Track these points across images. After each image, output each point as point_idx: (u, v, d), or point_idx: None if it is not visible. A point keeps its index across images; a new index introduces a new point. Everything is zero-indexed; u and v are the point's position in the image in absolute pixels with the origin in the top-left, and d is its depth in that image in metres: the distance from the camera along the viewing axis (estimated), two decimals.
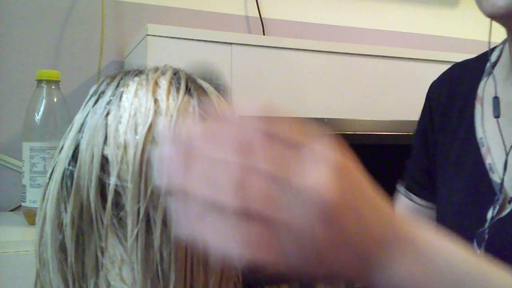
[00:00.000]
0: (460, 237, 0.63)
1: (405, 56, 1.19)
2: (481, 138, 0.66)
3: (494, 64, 0.70)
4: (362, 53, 1.16)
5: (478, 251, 0.61)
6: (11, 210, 1.16)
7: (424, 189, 0.75)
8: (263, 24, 1.41)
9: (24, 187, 0.99)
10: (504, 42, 0.71)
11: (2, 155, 1.17)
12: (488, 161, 0.64)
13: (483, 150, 0.65)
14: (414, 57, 1.21)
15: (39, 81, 1.01)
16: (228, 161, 0.30)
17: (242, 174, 0.30)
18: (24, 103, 1.03)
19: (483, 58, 0.72)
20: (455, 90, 0.72)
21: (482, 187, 0.64)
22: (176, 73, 0.43)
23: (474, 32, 1.67)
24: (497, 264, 0.38)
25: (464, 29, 1.66)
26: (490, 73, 0.69)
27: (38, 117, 0.99)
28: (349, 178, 0.33)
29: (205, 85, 0.43)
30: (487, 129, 0.66)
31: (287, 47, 1.08)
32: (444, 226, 0.66)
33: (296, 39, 1.16)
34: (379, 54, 1.17)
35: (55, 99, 1.01)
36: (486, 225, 0.62)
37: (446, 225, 0.67)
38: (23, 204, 0.99)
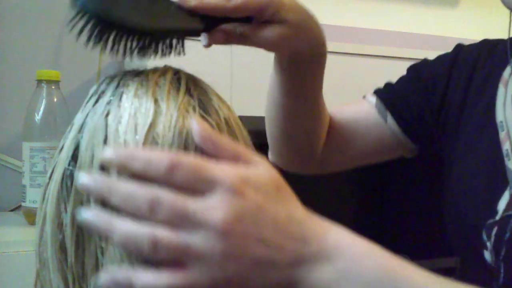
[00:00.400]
0: (468, 224, 0.61)
1: (405, 56, 1.19)
2: (501, 122, 0.64)
3: None
4: (362, 53, 1.16)
5: (488, 243, 0.60)
6: (11, 210, 1.16)
7: (409, 122, 0.70)
8: None
9: (24, 187, 0.99)
10: None
11: (2, 155, 1.17)
12: (505, 147, 0.62)
13: (502, 135, 0.63)
14: (414, 57, 1.20)
15: (39, 81, 1.01)
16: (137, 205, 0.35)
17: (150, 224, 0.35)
18: (24, 103, 1.03)
19: None
20: (481, 65, 0.69)
21: (496, 173, 0.61)
22: (176, 73, 0.43)
23: (474, 32, 1.67)
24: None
25: (464, 29, 1.65)
26: None
27: (38, 117, 0.99)
28: (247, 198, 0.35)
29: (205, 85, 0.43)
30: (508, 114, 0.64)
31: None
32: (456, 210, 0.65)
33: None
34: (379, 54, 1.17)
35: (55, 99, 1.01)
36: (497, 217, 0.60)
37: (456, 209, 0.65)
38: (23, 204, 0.99)
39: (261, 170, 0.38)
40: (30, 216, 0.98)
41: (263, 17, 0.51)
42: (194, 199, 0.35)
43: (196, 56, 1.01)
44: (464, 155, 0.66)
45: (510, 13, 0.66)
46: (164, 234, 0.34)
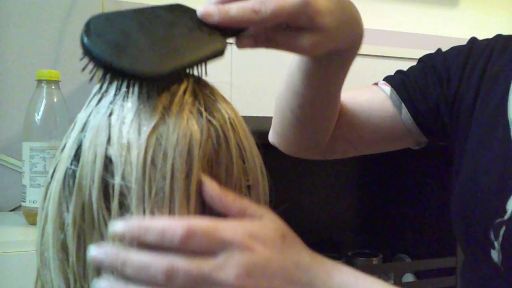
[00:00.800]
0: (476, 223, 0.60)
1: (405, 56, 1.19)
2: None
3: None
4: (362, 53, 1.15)
5: (495, 243, 0.59)
6: (11, 210, 1.16)
7: (423, 115, 0.68)
8: None
9: (24, 187, 0.99)
10: None
11: (2, 155, 1.17)
12: None
13: None
14: (414, 57, 1.20)
15: (39, 81, 1.01)
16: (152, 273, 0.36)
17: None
18: (24, 103, 1.03)
19: None
20: (494, 60, 0.67)
21: (507, 172, 0.60)
22: (180, 74, 0.43)
23: (474, 32, 1.67)
24: None
25: (464, 29, 1.66)
26: None
27: (38, 117, 0.99)
28: (256, 253, 0.38)
29: (210, 85, 0.43)
30: None
31: None
32: (461, 207, 0.64)
33: None
34: (379, 54, 1.17)
35: (55, 99, 1.01)
36: (506, 216, 0.58)
37: (464, 207, 0.64)
38: (23, 204, 0.99)
39: (267, 222, 0.40)
40: (30, 216, 0.98)
41: (297, 24, 0.46)
42: (207, 261, 0.37)
43: None
44: (474, 152, 0.65)
45: None
46: None
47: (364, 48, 1.20)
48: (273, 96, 1.08)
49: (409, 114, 0.68)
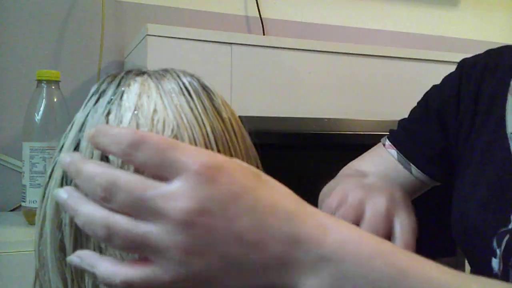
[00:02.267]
0: (478, 234, 0.60)
1: (405, 56, 1.19)
2: (511, 133, 0.62)
3: None
4: (362, 53, 1.16)
5: (498, 251, 0.59)
6: (11, 210, 1.16)
7: (433, 165, 0.70)
8: (263, 24, 1.41)
9: (24, 187, 0.98)
10: None
11: (2, 155, 1.17)
12: None
13: None
14: (414, 57, 1.21)
15: (39, 81, 1.01)
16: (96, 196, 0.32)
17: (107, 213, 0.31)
18: (24, 103, 1.03)
19: None
20: (488, 76, 0.68)
21: (508, 184, 0.60)
22: (179, 74, 0.43)
23: (474, 32, 1.67)
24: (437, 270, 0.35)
25: (464, 29, 1.66)
26: None
27: (38, 117, 0.99)
28: (218, 185, 0.30)
29: (208, 86, 0.43)
30: None
31: (287, 47, 1.08)
32: (464, 221, 0.64)
33: (296, 39, 1.16)
34: (379, 54, 1.17)
35: (55, 99, 1.01)
36: (510, 225, 0.58)
37: (467, 220, 0.64)
38: (23, 204, 0.99)
39: (239, 161, 0.34)
40: (30, 216, 0.98)
41: None
42: (156, 184, 0.31)
43: (197, 57, 1.01)
44: (476, 165, 0.65)
45: None
46: (119, 222, 0.31)
47: (364, 48, 1.21)
48: (273, 96, 1.08)
49: (419, 172, 0.70)
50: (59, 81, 1.02)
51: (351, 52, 1.15)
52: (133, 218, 0.31)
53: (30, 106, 1.00)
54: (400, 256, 0.34)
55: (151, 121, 0.38)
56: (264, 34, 1.40)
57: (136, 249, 0.31)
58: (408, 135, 0.72)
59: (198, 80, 0.43)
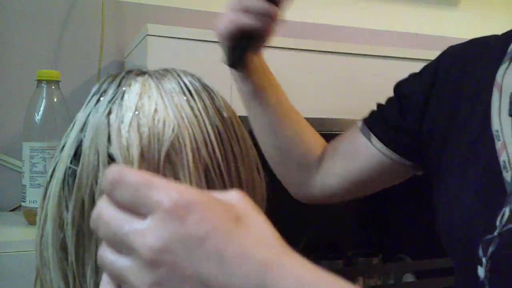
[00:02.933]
0: (464, 240, 0.58)
1: (405, 56, 1.19)
2: (497, 131, 0.60)
3: None
4: (362, 53, 1.16)
5: (483, 259, 0.56)
6: (11, 210, 1.16)
7: (407, 148, 0.70)
8: None
9: (24, 187, 0.98)
10: None
11: (2, 155, 1.17)
12: (502, 158, 0.58)
13: (499, 145, 0.59)
14: (414, 57, 1.21)
15: (39, 81, 1.01)
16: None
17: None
18: (24, 103, 1.03)
19: (507, 37, 0.65)
20: (470, 68, 0.65)
21: (494, 187, 0.58)
22: (179, 74, 0.43)
23: (474, 32, 1.67)
24: None
25: (464, 29, 1.66)
26: (511, 58, 0.62)
27: (38, 117, 0.99)
28: (186, 225, 0.30)
29: (209, 86, 0.43)
30: (504, 122, 0.59)
31: (287, 47, 1.08)
32: (450, 228, 0.62)
33: (297, 39, 1.16)
34: (379, 54, 1.17)
35: (55, 99, 1.01)
36: (495, 232, 0.56)
37: (453, 227, 0.62)
38: (23, 204, 0.99)
39: (224, 196, 0.33)
40: (30, 216, 0.98)
41: None
42: (133, 220, 0.31)
43: (197, 57, 1.01)
44: (460, 167, 0.63)
45: None
46: (105, 252, 0.32)
47: (364, 48, 1.20)
48: None
49: (378, 140, 0.71)
50: (59, 81, 1.02)
51: (351, 52, 1.15)
52: (116, 251, 0.32)
53: (30, 106, 1.00)
54: None
55: (152, 120, 0.38)
56: None
57: (119, 280, 0.32)
58: (376, 112, 0.75)
59: (199, 80, 0.43)
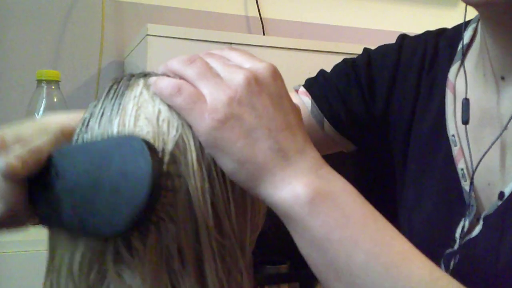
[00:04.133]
0: (427, 255, 0.58)
1: None
2: (453, 136, 0.57)
3: (467, 46, 0.60)
4: None
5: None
6: None
7: (349, 125, 0.64)
8: (263, 24, 1.41)
9: None
10: (478, 20, 0.63)
11: None
12: (460, 165, 0.55)
13: (455, 151, 0.56)
14: None
15: (39, 81, 1.01)
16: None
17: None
18: (24, 103, 1.03)
19: (457, 33, 0.62)
20: (427, 64, 0.62)
21: (453, 197, 0.55)
22: None
23: None
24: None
25: None
26: (462, 60, 0.59)
27: (38, 117, 0.99)
28: (261, 95, 0.38)
29: None
30: (460, 126, 0.56)
31: (287, 47, 1.08)
32: (412, 236, 0.57)
33: (296, 39, 1.16)
34: None
35: (55, 99, 1.01)
36: (456, 246, 0.53)
37: (414, 236, 0.57)
38: None
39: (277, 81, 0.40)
40: None
41: None
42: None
43: None
44: (417, 175, 0.60)
45: (466, 7, 0.60)
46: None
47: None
48: None
49: (332, 127, 0.65)
50: (59, 81, 1.02)
51: (351, 52, 1.14)
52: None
53: (30, 106, 1.00)
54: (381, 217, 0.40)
55: (156, 121, 0.38)
56: (264, 34, 1.40)
57: (212, 71, 0.39)
58: (327, 86, 0.66)
59: None
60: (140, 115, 0.39)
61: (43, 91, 1.00)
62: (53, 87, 1.01)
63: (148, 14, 1.30)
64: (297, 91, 0.68)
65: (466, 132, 0.55)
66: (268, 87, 0.38)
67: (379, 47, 0.67)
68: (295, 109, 0.40)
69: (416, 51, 0.63)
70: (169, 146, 0.38)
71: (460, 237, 0.53)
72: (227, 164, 0.37)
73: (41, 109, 0.99)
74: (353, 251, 0.36)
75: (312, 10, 1.50)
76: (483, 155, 0.52)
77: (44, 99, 1.00)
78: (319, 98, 0.65)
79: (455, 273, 0.52)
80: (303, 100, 0.66)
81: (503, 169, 0.53)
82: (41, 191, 0.38)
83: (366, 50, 0.67)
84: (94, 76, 1.24)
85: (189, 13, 1.35)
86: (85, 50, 1.25)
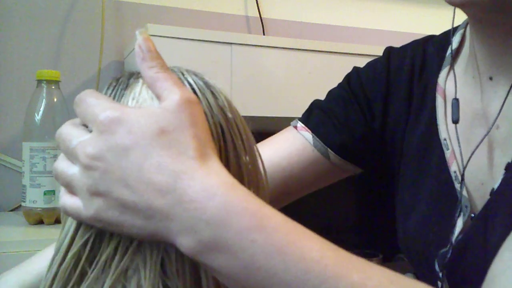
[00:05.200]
0: (421, 254, 0.55)
1: None
2: (445, 140, 0.58)
3: (456, 51, 0.62)
4: (362, 53, 1.16)
5: (440, 274, 0.55)
6: (11, 210, 1.16)
7: (354, 150, 0.65)
8: (263, 24, 1.41)
9: (24, 187, 0.98)
10: (466, 25, 0.64)
11: (2, 155, 1.17)
12: (453, 168, 0.56)
13: (448, 155, 0.57)
14: None
15: (39, 81, 1.01)
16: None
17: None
18: (24, 103, 1.03)
19: (445, 39, 0.64)
20: (416, 75, 0.63)
21: (447, 198, 0.56)
22: (184, 72, 0.43)
23: None
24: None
25: None
26: (451, 64, 0.61)
27: (38, 117, 0.99)
28: (115, 137, 0.35)
29: (212, 85, 0.43)
30: (451, 130, 0.58)
31: (287, 47, 1.08)
32: (406, 238, 0.60)
33: (296, 39, 1.16)
34: (379, 54, 1.17)
35: (55, 99, 1.01)
36: (449, 245, 0.54)
37: (409, 238, 0.60)
38: (23, 204, 0.99)
39: (154, 110, 0.36)
40: (30, 216, 0.98)
41: None
42: (82, 134, 0.37)
43: (197, 57, 1.01)
44: (412, 180, 0.61)
45: (454, 10, 0.62)
46: (59, 163, 0.38)
47: (364, 48, 1.20)
48: (273, 96, 1.08)
49: (338, 157, 0.65)
50: (59, 81, 1.02)
51: (351, 52, 1.15)
52: (68, 162, 0.37)
53: (30, 106, 1.00)
54: (282, 232, 0.34)
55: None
56: (264, 34, 1.40)
57: (69, 187, 0.37)
58: (325, 117, 0.66)
59: (202, 79, 0.43)
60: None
61: (43, 91, 1.00)
62: (53, 87, 1.01)
63: (148, 14, 1.30)
64: (296, 127, 0.68)
65: (457, 131, 0.56)
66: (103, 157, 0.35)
67: (368, 64, 0.68)
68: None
69: (404, 61, 0.64)
70: None
71: (453, 237, 0.54)
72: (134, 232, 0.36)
73: (41, 109, 0.99)
74: None
75: (312, 10, 1.50)
76: (471, 154, 0.53)
77: (44, 99, 1.00)
78: (320, 131, 0.65)
79: (448, 273, 0.53)
80: (304, 135, 0.66)
81: (492, 167, 0.53)
82: None
83: (355, 69, 0.69)
84: (94, 76, 1.24)
85: (189, 13, 1.35)
86: (85, 50, 1.25)
